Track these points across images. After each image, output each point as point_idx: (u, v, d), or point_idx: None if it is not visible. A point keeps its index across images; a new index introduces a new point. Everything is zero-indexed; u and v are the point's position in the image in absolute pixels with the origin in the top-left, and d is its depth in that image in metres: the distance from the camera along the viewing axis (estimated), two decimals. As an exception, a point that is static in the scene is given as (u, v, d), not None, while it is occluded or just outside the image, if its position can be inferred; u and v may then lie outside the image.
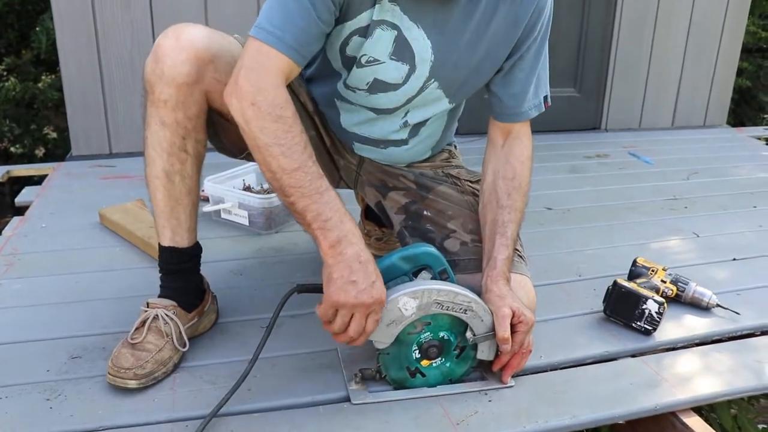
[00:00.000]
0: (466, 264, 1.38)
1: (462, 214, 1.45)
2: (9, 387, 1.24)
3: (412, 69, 1.31)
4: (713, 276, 1.80)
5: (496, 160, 1.43)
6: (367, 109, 1.40)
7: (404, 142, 1.46)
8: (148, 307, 1.31)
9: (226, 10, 2.81)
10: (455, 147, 1.64)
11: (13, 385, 1.25)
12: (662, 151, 3.18)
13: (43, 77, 5.06)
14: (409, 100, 1.36)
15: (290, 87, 1.28)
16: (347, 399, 1.23)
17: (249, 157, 1.44)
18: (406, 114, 1.40)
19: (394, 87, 1.33)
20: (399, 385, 1.24)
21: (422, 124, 1.44)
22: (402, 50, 1.28)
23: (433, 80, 1.34)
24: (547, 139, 3.27)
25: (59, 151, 5.09)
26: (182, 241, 1.35)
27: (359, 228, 1.83)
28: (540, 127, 3.58)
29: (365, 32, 1.26)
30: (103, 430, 1.15)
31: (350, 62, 1.32)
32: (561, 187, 2.56)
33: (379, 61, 1.29)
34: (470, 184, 1.51)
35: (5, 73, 5.11)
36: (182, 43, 1.24)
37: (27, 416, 1.17)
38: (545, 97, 1.45)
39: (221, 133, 1.42)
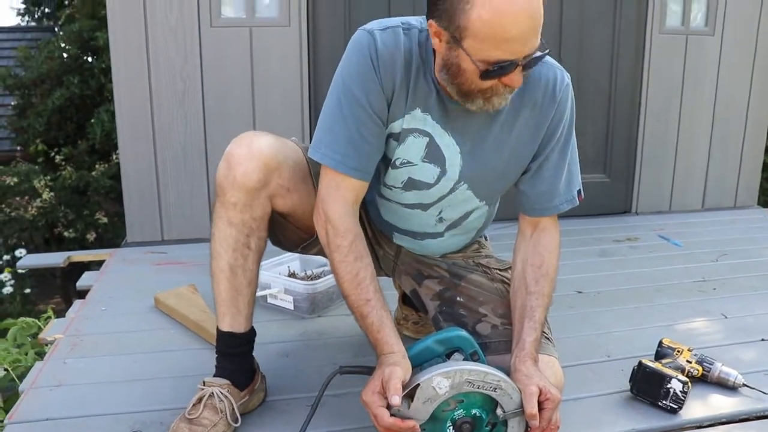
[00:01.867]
0: (497, 346, 1.48)
1: (492, 300, 1.55)
2: (78, 458, 1.36)
3: (443, 172, 1.43)
4: (741, 357, 1.84)
5: (525, 249, 1.51)
6: (402, 206, 1.53)
7: (440, 234, 1.58)
8: (204, 385, 1.42)
9: (269, 106, 3.04)
10: (485, 238, 1.76)
11: (81, 457, 1.36)
12: (692, 233, 3.25)
13: (97, 166, 5.35)
14: (440, 198, 1.49)
15: None
16: (387, 473, 1.31)
17: (303, 250, 1.60)
18: (440, 212, 1.52)
19: (427, 186, 1.46)
20: (435, 460, 1.32)
21: (458, 222, 1.55)
22: (434, 154, 1.41)
23: (462, 182, 1.45)
24: (578, 223, 3.37)
25: (109, 235, 5.32)
26: (240, 327, 1.47)
27: (398, 312, 1.96)
28: (571, 212, 3.66)
29: (398, 137, 1.40)
30: (162, 499, 1.25)
31: (386, 163, 1.46)
32: (591, 271, 2.63)
33: (411, 163, 1.43)
34: (499, 272, 1.62)
35: (63, 163, 5.42)
36: (253, 152, 1.39)
37: (94, 486, 1.28)
38: (578, 191, 1.53)
39: (279, 232, 1.57)
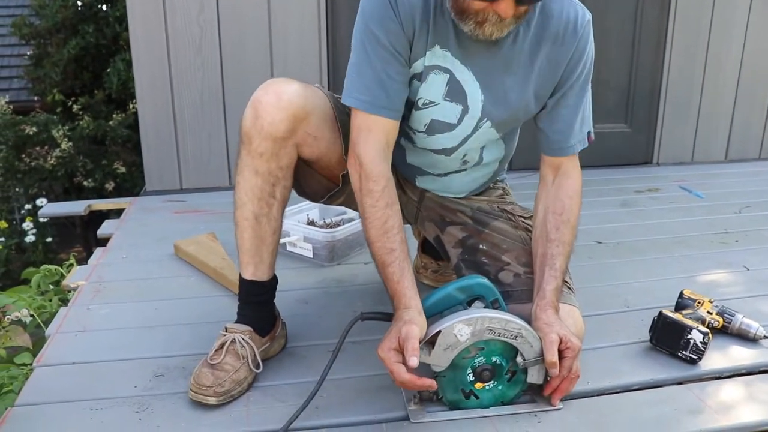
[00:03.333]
0: (519, 294, 1.48)
1: (516, 248, 1.55)
2: (103, 400, 1.38)
3: (466, 109, 1.44)
4: (762, 309, 1.83)
5: (546, 196, 1.52)
6: (427, 151, 1.52)
7: (463, 169, 1.58)
8: (226, 331, 1.44)
9: (287, 54, 3.00)
10: (507, 185, 1.75)
11: (106, 398, 1.39)
12: (714, 185, 3.21)
13: (114, 115, 5.35)
14: (464, 140, 1.48)
15: None
16: (406, 418, 1.32)
17: (329, 200, 1.59)
18: (464, 156, 1.53)
19: (450, 127, 1.46)
20: (454, 406, 1.33)
21: (479, 155, 1.56)
22: (455, 92, 1.41)
23: (485, 119, 1.46)
24: (598, 173, 3.34)
25: (127, 184, 5.35)
26: (263, 276, 1.48)
27: (416, 261, 1.96)
28: (591, 161, 3.63)
29: (420, 77, 1.40)
30: (186, 441, 1.27)
31: (410, 107, 1.46)
32: (611, 222, 2.61)
33: (434, 102, 1.43)
34: (523, 219, 1.62)
35: (80, 112, 5.42)
36: (282, 102, 1.37)
37: (119, 426, 1.30)
38: (588, 133, 1.54)
39: (303, 181, 1.57)
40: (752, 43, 3.55)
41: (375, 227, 1.35)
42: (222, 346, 1.41)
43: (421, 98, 1.42)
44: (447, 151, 1.52)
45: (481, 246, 1.58)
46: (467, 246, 1.60)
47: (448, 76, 1.39)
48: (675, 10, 3.39)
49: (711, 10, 3.44)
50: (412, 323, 1.25)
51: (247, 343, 1.42)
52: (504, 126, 1.50)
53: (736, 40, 3.53)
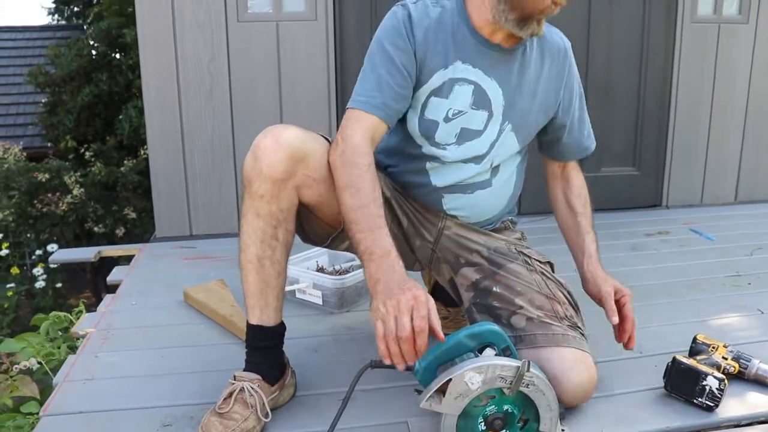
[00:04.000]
0: (532, 339, 1.47)
1: (530, 291, 1.55)
2: (110, 452, 1.37)
3: (491, 115, 1.55)
4: (779, 353, 1.81)
5: (561, 184, 1.76)
6: (459, 164, 1.57)
7: (488, 183, 1.61)
8: (235, 379, 1.43)
9: (296, 100, 3.04)
10: (523, 234, 1.78)
11: (113, 450, 1.37)
12: (725, 227, 3.19)
13: (125, 161, 5.41)
14: (492, 146, 1.57)
15: None
16: (417, 469, 1.30)
17: (331, 245, 1.59)
18: (491, 164, 1.60)
19: (478, 134, 1.56)
20: (466, 455, 1.31)
21: (500, 164, 1.62)
22: (480, 99, 1.54)
23: (507, 122, 1.57)
24: (608, 217, 3.33)
25: (137, 230, 5.38)
26: (269, 320, 1.47)
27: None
28: (600, 204, 3.65)
29: (440, 92, 1.52)
30: (194, 493, 1.25)
31: (430, 126, 1.54)
32: (622, 266, 2.59)
33: (462, 112, 1.54)
34: (539, 263, 1.63)
35: (92, 159, 5.49)
36: (280, 144, 1.39)
37: (127, 479, 1.29)
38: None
39: (306, 225, 1.57)
40: (757, 83, 3.57)
41: (364, 194, 1.37)
42: (230, 394, 1.40)
43: (450, 109, 1.53)
44: (478, 159, 1.58)
45: (494, 289, 1.57)
46: (480, 289, 1.59)
47: (472, 87, 1.52)
48: (680, 54, 3.42)
49: (715, 52, 3.47)
50: (428, 294, 1.26)
51: (256, 391, 1.40)
52: (521, 130, 1.59)
53: (741, 81, 3.55)
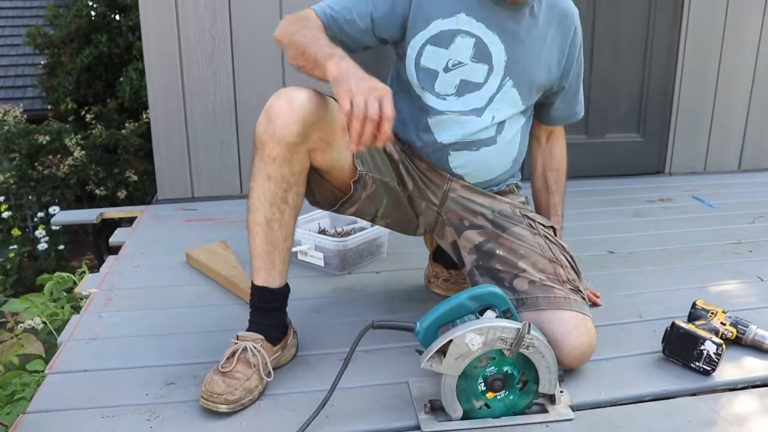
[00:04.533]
0: (534, 302, 1.48)
1: (533, 254, 1.56)
2: (114, 408, 1.38)
3: (491, 69, 1.56)
4: (777, 320, 1.82)
5: (542, 154, 1.83)
6: (459, 115, 1.57)
7: (493, 140, 1.61)
8: (238, 339, 1.44)
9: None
10: (527, 198, 1.79)
11: (117, 406, 1.39)
12: (727, 194, 3.19)
13: (126, 124, 5.38)
14: (491, 99, 1.58)
15: None
16: (417, 427, 1.32)
17: (339, 209, 1.60)
18: (492, 118, 1.59)
19: (478, 87, 1.57)
20: (465, 416, 1.33)
21: (504, 122, 1.62)
22: (481, 53, 1.55)
23: (508, 78, 1.58)
24: (610, 183, 3.33)
25: (139, 193, 5.38)
26: (274, 282, 1.48)
27: (428, 270, 1.97)
28: (604, 171, 3.63)
29: (438, 41, 1.54)
30: (197, 449, 1.27)
31: (428, 76, 1.56)
32: (623, 231, 2.60)
33: (462, 63, 1.55)
34: (543, 227, 1.64)
35: (93, 121, 5.46)
36: (294, 106, 1.37)
37: (131, 435, 1.30)
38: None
39: (315, 189, 1.57)
40: (766, 49, 3.53)
41: (312, 32, 1.44)
42: (233, 354, 1.41)
43: (450, 59, 1.54)
44: (478, 112, 1.58)
45: (497, 251, 1.58)
46: (483, 251, 1.60)
47: (474, 39, 1.54)
48: (687, 19, 3.38)
49: (724, 18, 3.43)
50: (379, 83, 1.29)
51: (259, 351, 1.42)
52: (523, 86, 1.60)
53: (749, 48, 3.51)
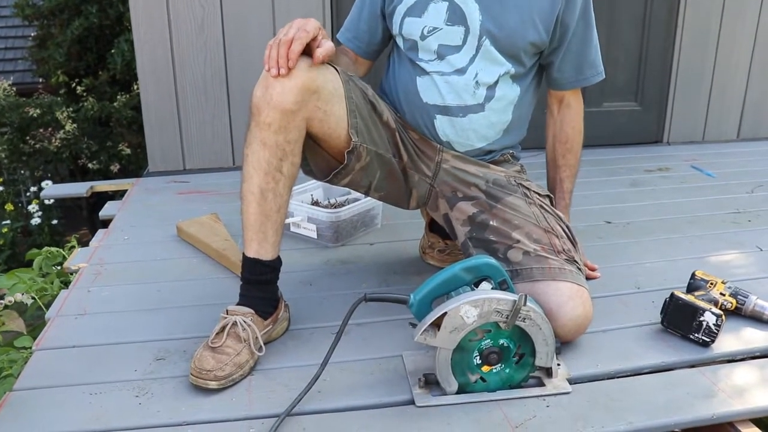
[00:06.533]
0: (528, 272, 1.45)
1: (527, 225, 1.53)
2: (103, 384, 1.36)
3: (467, 30, 1.53)
4: (776, 290, 1.79)
5: (553, 125, 1.75)
6: (442, 75, 1.55)
7: (481, 107, 1.57)
8: (227, 314, 1.41)
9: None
10: (522, 167, 1.75)
11: (106, 383, 1.36)
12: (726, 164, 3.15)
13: (118, 97, 5.32)
14: (472, 59, 1.55)
15: (374, 105, 1.53)
16: (411, 402, 1.29)
17: (333, 180, 1.56)
18: (476, 75, 1.55)
19: (457, 49, 1.54)
20: (461, 390, 1.30)
21: (493, 86, 1.57)
22: (455, 15, 1.53)
23: (484, 37, 1.53)
24: (608, 153, 3.29)
25: (132, 166, 5.34)
26: (266, 254, 1.44)
27: (423, 240, 1.94)
28: (602, 141, 3.58)
29: (413, 11, 1.55)
30: (186, 425, 1.24)
31: (410, 45, 1.58)
32: (621, 201, 2.57)
33: (437, 28, 1.54)
34: (539, 196, 1.61)
35: (84, 94, 5.39)
36: (294, 73, 1.34)
37: (118, 411, 1.28)
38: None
39: (310, 158, 1.54)
40: (767, 18, 3.47)
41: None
42: (223, 329, 1.38)
43: (425, 27, 1.54)
44: (460, 71, 1.55)
45: (491, 222, 1.55)
46: (476, 223, 1.57)
47: (447, 3, 1.52)
48: (687, -16, 3.31)
49: (724, -16, 3.36)
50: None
51: (249, 325, 1.39)
52: (503, 45, 1.54)
53: (750, 16, 3.44)
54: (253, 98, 1.37)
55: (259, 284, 1.47)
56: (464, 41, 1.53)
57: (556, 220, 1.57)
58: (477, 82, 1.55)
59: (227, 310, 1.42)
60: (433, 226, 1.90)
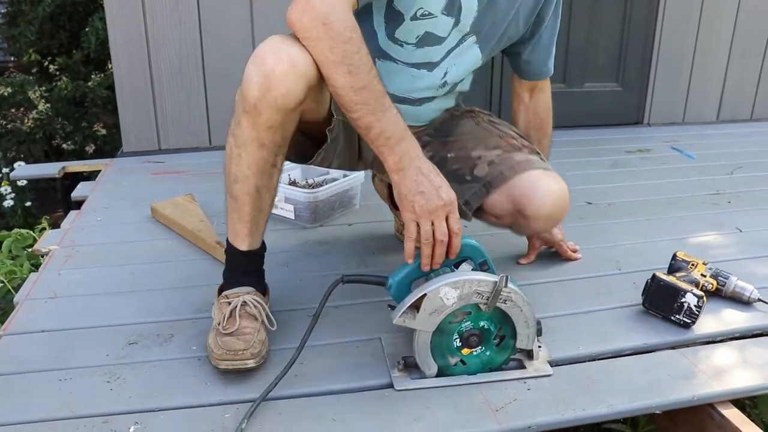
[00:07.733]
0: (498, 177, 1.50)
1: (482, 139, 1.57)
2: (73, 369, 1.32)
3: (456, 22, 1.44)
4: (756, 271, 1.78)
5: (525, 112, 1.74)
6: (409, 66, 1.48)
7: (435, 96, 1.57)
8: (228, 297, 1.35)
9: (269, 10, 2.87)
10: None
11: (76, 368, 1.32)
12: (706, 145, 3.15)
13: (93, 76, 5.21)
14: (448, 53, 1.48)
15: None
16: (390, 385, 1.27)
17: (313, 162, 1.51)
18: (445, 73, 1.51)
19: (440, 40, 1.45)
20: (440, 373, 1.28)
21: (457, 83, 1.55)
22: (452, 6, 1.41)
23: (471, 34, 1.47)
24: (589, 133, 3.28)
25: (108, 147, 5.23)
26: (255, 244, 1.40)
27: (397, 223, 1.91)
28: (582, 121, 3.58)
29: None
30: (159, 411, 1.21)
31: (394, 17, 1.41)
32: (602, 182, 2.56)
33: (432, 15, 1.41)
34: (485, 114, 1.66)
35: (58, 73, 5.27)
36: (298, 70, 1.22)
37: (89, 397, 1.24)
38: None
39: (292, 145, 1.44)
40: (747, 1, 3.46)
41: (364, 71, 1.21)
42: (232, 313, 1.31)
43: (420, 8, 1.39)
44: (430, 66, 1.49)
45: (449, 155, 1.57)
46: (436, 162, 1.43)
47: None
48: (669, -35, 3.29)
49: (706, -36, 3.34)
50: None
51: (258, 302, 1.34)
52: (486, 44, 1.50)
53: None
54: (249, 96, 1.24)
55: (252, 273, 1.43)
56: (449, 33, 1.45)
57: (507, 127, 1.62)
58: (445, 82, 1.52)
59: (226, 295, 1.36)
60: (394, 201, 1.85)
